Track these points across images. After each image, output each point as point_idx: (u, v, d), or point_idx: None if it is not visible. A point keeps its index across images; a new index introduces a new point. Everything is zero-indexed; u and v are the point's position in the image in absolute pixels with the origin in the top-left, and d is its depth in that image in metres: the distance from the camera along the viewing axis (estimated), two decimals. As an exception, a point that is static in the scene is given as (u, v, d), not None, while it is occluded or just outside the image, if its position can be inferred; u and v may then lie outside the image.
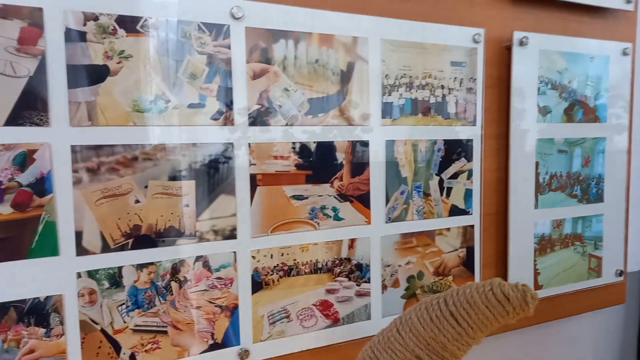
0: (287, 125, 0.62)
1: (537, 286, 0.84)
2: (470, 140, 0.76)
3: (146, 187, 0.55)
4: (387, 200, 0.70)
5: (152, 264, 0.56)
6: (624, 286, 0.99)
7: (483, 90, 0.76)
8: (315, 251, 0.65)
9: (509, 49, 0.78)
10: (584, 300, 0.93)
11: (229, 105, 0.59)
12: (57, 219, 0.51)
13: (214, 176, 0.59)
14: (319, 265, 0.66)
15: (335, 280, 0.67)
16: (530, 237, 0.83)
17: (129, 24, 0.53)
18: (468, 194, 0.76)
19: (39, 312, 0.51)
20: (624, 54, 0.90)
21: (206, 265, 0.59)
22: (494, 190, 0.81)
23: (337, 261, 0.67)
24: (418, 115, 0.71)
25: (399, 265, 0.72)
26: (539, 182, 0.83)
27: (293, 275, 0.64)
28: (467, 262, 0.77)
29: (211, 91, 0.58)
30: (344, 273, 0.68)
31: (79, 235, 0.52)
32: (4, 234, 0.49)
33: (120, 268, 0.54)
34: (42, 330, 0.51)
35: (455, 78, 0.74)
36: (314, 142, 0.64)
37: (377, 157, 0.68)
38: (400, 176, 0.71)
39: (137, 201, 0.55)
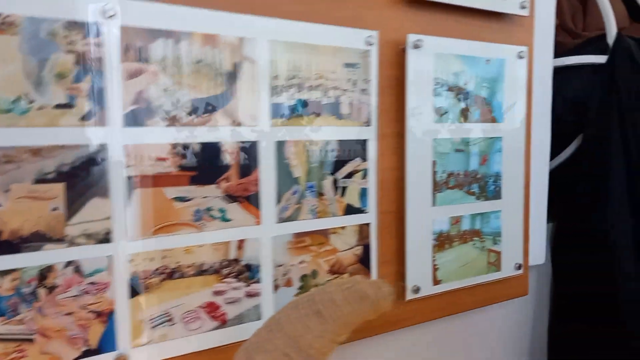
0: (167, 126, 0.61)
1: (436, 281, 0.87)
2: (365, 141, 0.77)
3: (7, 190, 0.53)
4: (279, 201, 0.70)
5: (15, 270, 0.54)
6: (527, 279, 1.04)
7: (377, 92, 0.78)
8: (200, 253, 0.65)
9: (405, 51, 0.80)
10: (486, 293, 0.97)
11: (102, 105, 0.57)
12: None
13: (85, 179, 0.57)
14: (205, 268, 0.66)
15: (223, 282, 0.67)
16: (428, 234, 0.86)
17: (-17, 19, 0.50)
18: (363, 192, 0.78)
19: None
20: (520, 57, 0.94)
21: (78, 270, 0.57)
22: (393, 189, 0.83)
23: (225, 262, 0.67)
24: (310, 116, 0.72)
25: (292, 265, 0.72)
26: (436, 181, 0.86)
27: (176, 278, 0.64)
28: (364, 260, 0.79)
29: (81, 91, 0.56)
30: (232, 274, 0.68)
31: None
32: None
33: (-23, 276, 0.52)
34: None
35: (349, 79, 0.75)
36: (198, 143, 0.64)
37: (266, 157, 0.69)
38: (291, 176, 0.71)
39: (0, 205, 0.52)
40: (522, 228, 1.00)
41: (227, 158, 0.66)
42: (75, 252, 0.57)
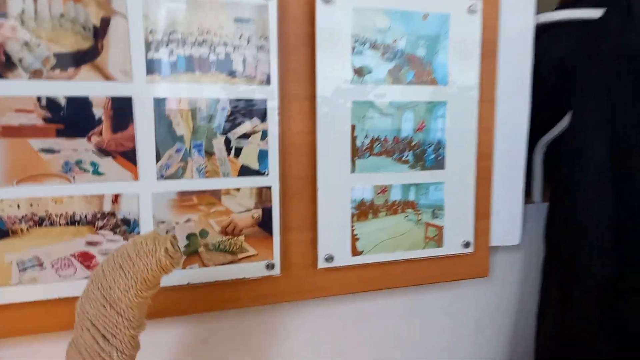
0: (30, 79, 0.63)
1: (356, 252, 0.83)
2: (264, 101, 0.74)
3: None
4: (159, 158, 0.70)
5: None
6: (485, 259, 0.96)
7: (278, 50, 0.73)
8: (71, 204, 0.67)
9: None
10: (427, 271, 0.90)
11: (-42, 57, 0.60)
12: None
13: (-54, 126, 0.60)
14: (77, 218, 0.68)
15: (98, 233, 0.69)
16: (346, 202, 0.82)
17: None
18: (263, 154, 0.75)
19: None
20: (470, 11, 0.84)
21: (-58, 211, 0.62)
22: (305, 154, 0.79)
23: (99, 215, 0.68)
24: (196, 73, 0.70)
25: (177, 223, 0.72)
26: (356, 146, 0.81)
27: (46, 226, 0.66)
28: (264, 223, 0.77)
29: (-64, 43, 0.59)
30: (107, 227, 0.69)
31: None
32: None
33: None
34: None
35: (241, 36, 0.71)
36: (64, 97, 0.65)
37: (143, 114, 0.68)
38: (174, 134, 0.70)
39: None
40: (474, 204, 0.91)
41: (98, 112, 0.66)
42: (-61, 194, 0.61)
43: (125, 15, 0.66)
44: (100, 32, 0.65)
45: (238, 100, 0.73)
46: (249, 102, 0.73)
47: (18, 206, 0.65)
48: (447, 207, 0.88)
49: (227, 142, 0.73)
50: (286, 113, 0.77)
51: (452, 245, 0.90)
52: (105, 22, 0.65)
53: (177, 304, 0.75)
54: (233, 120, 0.73)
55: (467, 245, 0.91)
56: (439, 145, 0.86)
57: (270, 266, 0.78)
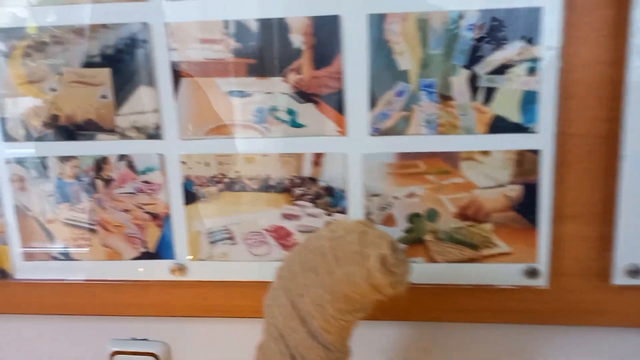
0: (215, -4, 0.48)
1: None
2: (536, 10, 0.46)
3: (60, 74, 0.51)
4: (374, 104, 0.49)
5: (74, 157, 0.53)
6: None
7: None
8: (265, 164, 0.52)
9: None
10: None
11: (140, -26, 0.48)
12: (-17, 105, 0.52)
13: (130, 64, 0.50)
14: (271, 183, 0.52)
15: (295, 204, 0.52)
16: (671, 182, 0.49)
17: None
18: (529, 99, 0.48)
19: (-20, 192, 0.55)
20: None
21: (130, 165, 0.53)
22: (602, 100, 0.49)
23: (298, 180, 0.52)
24: (432, -29, 0.46)
25: (395, 197, 0.51)
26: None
27: (237, 191, 0.53)
28: (524, 207, 0.50)
29: (118, -42, 0.48)
30: (307, 196, 0.52)
31: (4, 120, 0.53)
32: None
33: (43, 158, 0.53)
34: (-15, 208, 0.55)
35: None
36: (256, 19, 0.48)
37: (355, 39, 0.48)
38: (396, 68, 0.48)
39: (53, 89, 0.51)
40: None
41: (297, 40, 0.48)
42: (127, 145, 0.52)
43: None
44: None
45: (493, 11, 0.46)
46: (511, 14, 0.46)
47: (206, 164, 0.51)
48: None
49: (473, 80, 0.47)
50: (574, 31, 0.46)
51: None
52: None
53: (392, 306, 0.54)
54: (483, 44, 0.46)
55: None
56: None
57: (532, 272, 0.51)
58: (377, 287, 0.29)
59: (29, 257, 0.56)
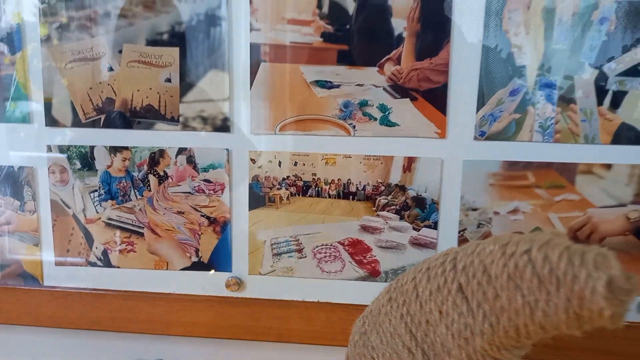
0: (310, -29, 0.42)
1: None
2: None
3: (120, 51, 0.44)
4: (482, 103, 0.42)
5: (126, 148, 0.46)
6: None
7: None
8: (346, 166, 0.45)
9: None
10: None
11: (225, -59, 0.42)
12: (28, 81, 0.45)
13: (203, 43, 0.44)
14: (352, 189, 0.45)
15: (378, 215, 0.45)
16: None
17: None
18: None
19: (12, 182, 0.47)
20: None
21: (191, 161, 0.46)
22: None
23: (383, 187, 0.45)
24: (563, -47, 0.40)
25: (496, 213, 0.44)
26: None
27: (311, 196, 0.45)
28: (647, 233, 0.43)
29: None
30: (392, 207, 0.45)
31: (48, 103, 0.46)
32: (-21, 92, 0.46)
33: (92, 147, 0.46)
34: (17, 203, 0.48)
35: None
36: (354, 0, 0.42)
37: (466, 26, 0.41)
38: (512, 63, 0.42)
39: (111, 69, 0.45)
40: None
41: (399, 26, 0.42)
42: (190, 137, 0.45)
43: None
44: None
45: (633, 2, 0.39)
46: (655, 8, 0.39)
47: (280, 163, 0.44)
48: None
49: (601, 81, 0.41)
50: None
51: None
52: None
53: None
54: (615, 40, 0.40)
55: None
56: None
57: (655, 309, 0.43)
58: (592, 317, 0.21)
59: (62, 261, 0.48)
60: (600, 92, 0.42)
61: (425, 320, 0.28)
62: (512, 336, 0.24)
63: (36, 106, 0.46)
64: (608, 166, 0.43)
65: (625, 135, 0.42)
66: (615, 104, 0.42)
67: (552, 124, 0.43)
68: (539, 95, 0.42)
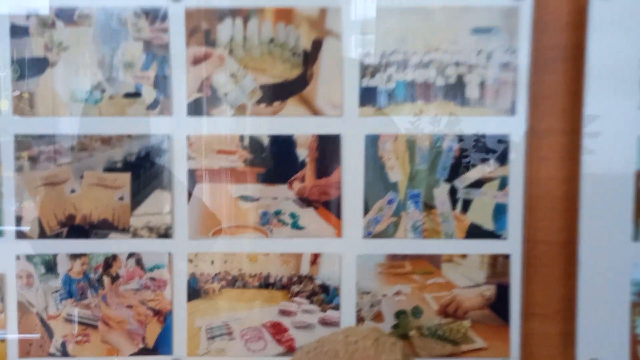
0: (234, 115, 0.55)
1: (638, 360, 0.56)
2: (505, 137, 0.55)
3: (82, 177, 0.55)
4: (367, 210, 0.56)
5: (85, 255, 0.56)
6: None
7: (531, 68, 0.54)
8: (266, 263, 0.56)
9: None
10: None
11: (167, 93, 0.55)
12: (2, 202, 0.55)
13: (150, 169, 0.55)
14: (271, 280, 0.56)
15: (292, 301, 0.56)
16: (623, 284, 0.56)
17: (67, 15, 0.54)
18: (500, 210, 0.55)
19: (-17, 286, 0.56)
20: None
21: (139, 263, 0.56)
22: (561, 211, 0.57)
23: (295, 278, 0.56)
24: (417, 102, 0.55)
25: (384, 295, 0.56)
26: (642, 203, 0.55)
27: (238, 287, 0.56)
28: (498, 306, 0.56)
29: (148, 79, 0.55)
30: (303, 293, 0.56)
31: (19, 219, 0.55)
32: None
33: (55, 255, 0.56)
34: (-14, 303, 0.56)
35: (479, 51, 0.54)
36: (268, 135, 0.55)
37: (352, 155, 0.55)
38: (387, 180, 0.56)
39: (73, 191, 0.55)
40: None
41: (302, 154, 0.55)
42: (138, 244, 0.56)
43: (339, 35, 0.54)
44: (310, 57, 0.54)
45: (470, 136, 0.55)
46: (485, 139, 0.55)
47: (212, 262, 0.56)
48: None
49: (453, 192, 0.55)
50: (536, 153, 0.56)
51: None
52: (317, 45, 0.54)
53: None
54: (462, 163, 0.55)
55: None
56: None
57: (509, 367, 0.55)
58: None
59: (25, 353, 0.56)
60: (453, 200, 0.56)
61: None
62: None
63: (8, 222, 0.55)
64: (464, 256, 0.56)
65: (474, 232, 0.56)
66: (465, 208, 0.56)
67: (420, 224, 0.56)
68: (409, 204, 0.56)
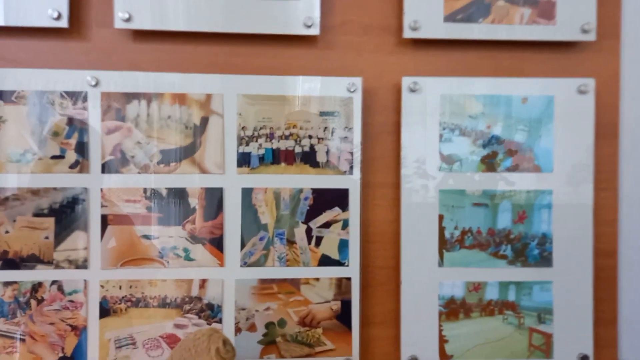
0: (139, 173, 0.72)
1: (445, 355, 0.76)
2: (345, 190, 0.74)
3: (14, 221, 0.70)
4: (244, 245, 0.73)
5: (15, 282, 0.70)
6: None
7: (361, 140, 0.75)
8: (164, 287, 0.72)
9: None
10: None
11: (85, 156, 0.71)
12: (-54, 241, 0.69)
13: (70, 215, 0.71)
14: (168, 301, 0.73)
15: (184, 317, 0.73)
16: (433, 298, 0.76)
17: (7, 95, 0.70)
18: (343, 244, 0.74)
19: None
20: (580, 92, 0.77)
21: (60, 289, 0.71)
22: (388, 244, 0.77)
23: (187, 299, 0.73)
24: (281, 164, 0.74)
25: (257, 310, 0.74)
26: (445, 238, 0.76)
27: (141, 307, 0.72)
28: (343, 316, 0.75)
29: (70, 145, 0.71)
30: (193, 311, 0.73)
31: (-40, 254, 0.69)
32: None
33: (-11, 283, 0.70)
34: None
35: (325, 128, 0.74)
36: (166, 188, 0.72)
37: (231, 203, 0.73)
38: (259, 222, 0.73)
39: (7, 232, 0.70)
40: (592, 308, 0.78)
41: (193, 202, 0.73)
42: (59, 274, 0.71)
43: (222, 114, 0.72)
44: (199, 129, 0.72)
45: (320, 189, 0.74)
46: (331, 192, 0.74)
47: (120, 287, 0.71)
48: (556, 311, 0.77)
49: (309, 231, 0.74)
50: (369, 201, 0.76)
51: (565, 357, 0.77)
52: (204, 121, 0.72)
53: (254, 394, 0.74)
54: (315, 209, 0.74)
55: (585, 358, 0.77)
56: (544, 239, 0.77)
57: (349, 363, 0.74)
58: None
59: (-39, 363, 0.69)
60: (309, 237, 0.75)
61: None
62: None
63: (-49, 257, 0.69)
64: (317, 279, 0.75)
65: (325, 261, 0.75)
66: (318, 243, 0.75)
67: (284, 255, 0.74)
68: (276, 240, 0.74)
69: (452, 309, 0.76)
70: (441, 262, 0.76)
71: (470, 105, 0.76)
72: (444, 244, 0.76)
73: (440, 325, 0.76)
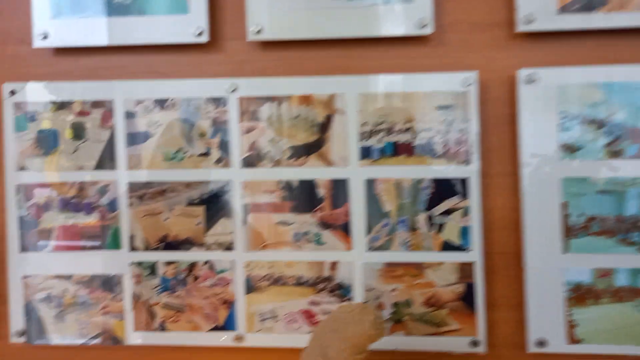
0: (273, 167, 0.80)
1: (574, 339, 0.77)
2: (465, 179, 0.77)
3: (172, 209, 0.82)
4: (369, 231, 0.79)
5: (175, 262, 0.82)
6: None
7: (480, 131, 0.76)
8: (299, 268, 0.81)
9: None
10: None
11: (227, 153, 0.80)
12: (120, 227, 0.83)
13: (217, 204, 0.81)
14: (303, 280, 0.81)
15: (318, 295, 0.81)
16: (558, 284, 0.77)
17: (162, 103, 0.81)
18: (465, 231, 0.78)
19: (109, 284, 0.84)
20: None
21: (212, 268, 0.82)
22: (510, 231, 0.79)
23: (320, 279, 0.81)
24: (401, 156, 0.78)
25: (384, 291, 0.80)
26: (569, 225, 0.76)
27: (280, 285, 0.81)
28: (467, 298, 0.79)
29: (214, 144, 0.80)
30: (327, 289, 0.81)
31: (132, 238, 0.83)
32: (94, 233, 0.83)
33: (155, 262, 0.83)
34: (111, 295, 0.84)
35: (443, 120, 0.77)
36: (297, 180, 0.80)
37: (356, 193, 0.79)
38: (382, 210, 0.79)
39: (167, 219, 0.82)
40: None
41: (321, 192, 0.80)
42: (211, 255, 0.82)
43: (344, 112, 0.78)
44: (324, 127, 0.78)
45: (439, 180, 0.77)
46: (450, 181, 0.77)
47: (261, 267, 0.81)
48: (694, 299, 0.74)
49: (430, 219, 0.78)
50: (489, 190, 0.78)
51: None
52: (329, 119, 0.78)
53: (381, 366, 0.81)
54: (435, 198, 0.77)
55: None
56: (681, 225, 0.74)
57: (475, 343, 0.78)
58: (370, 337, 0.57)
59: (137, 328, 0.84)
60: (431, 224, 0.79)
61: (327, 345, 0.63)
62: (356, 348, 0.59)
63: (124, 240, 0.83)
64: (440, 263, 0.79)
65: (446, 247, 0.79)
66: (439, 230, 0.79)
67: (408, 241, 0.79)
68: (399, 227, 0.79)
69: (580, 295, 0.76)
70: (566, 249, 0.76)
71: (590, 94, 0.74)
72: (569, 231, 0.76)
73: (568, 310, 0.76)
